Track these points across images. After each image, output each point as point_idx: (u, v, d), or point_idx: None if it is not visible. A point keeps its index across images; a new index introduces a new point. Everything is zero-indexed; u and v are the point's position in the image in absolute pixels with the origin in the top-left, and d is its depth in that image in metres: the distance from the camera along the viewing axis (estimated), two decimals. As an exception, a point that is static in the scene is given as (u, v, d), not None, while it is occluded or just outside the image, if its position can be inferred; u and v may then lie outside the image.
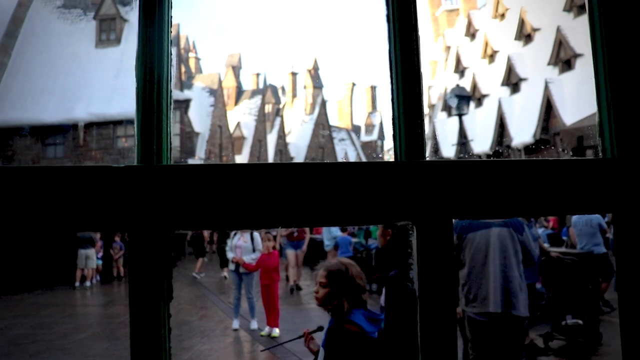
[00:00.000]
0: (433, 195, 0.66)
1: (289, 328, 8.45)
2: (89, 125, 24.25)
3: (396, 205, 0.65)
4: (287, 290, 12.31)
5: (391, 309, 4.80)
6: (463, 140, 19.32)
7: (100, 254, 16.04)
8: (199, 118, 35.30)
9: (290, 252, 12.72)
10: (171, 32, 0.71)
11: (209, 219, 0.63)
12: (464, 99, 15.44)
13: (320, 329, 3.20)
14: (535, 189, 0.68)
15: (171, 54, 0.70)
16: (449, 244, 0.67)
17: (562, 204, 0.69)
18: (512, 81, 29.85)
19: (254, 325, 8.76)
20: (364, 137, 64.04)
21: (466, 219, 0.68)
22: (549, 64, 26.68)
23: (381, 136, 64.16)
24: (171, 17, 0.71)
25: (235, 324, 8.90)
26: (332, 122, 57.93)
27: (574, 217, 9.03)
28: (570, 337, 6.55)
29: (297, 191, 0.63)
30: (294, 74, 56.68)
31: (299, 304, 11.02)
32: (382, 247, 5.19)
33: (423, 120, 0.71)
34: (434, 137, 34.79)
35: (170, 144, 0.68)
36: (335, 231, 12.98)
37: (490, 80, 32.42)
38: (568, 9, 26.65)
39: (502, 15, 34.24)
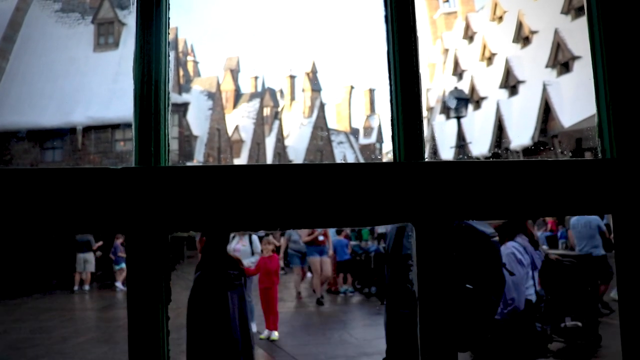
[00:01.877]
0: (433, 196, 0.66)
1: (288, 331, 8.45)
2: (88, 129, 24.22)
3: (396, 207, 0.65)
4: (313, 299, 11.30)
5: (196, 307, 5.02)
6: (461, 143, 19.37)
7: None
8: (198, 121, 35.28)
9: (314, 259, 11.22)
10: (169, 34, 0.71)
11: (207, 220, 0.63)
12: (462, 102, 15.45)
13: None
14: (536, 189, 0.68)
15: (169, 56, 0.70)
16: (449, 245, 0.67)
17: (562, 205, 0.69)
18: (511, 84, 29.87)
19: (253, 328, 8.75)
20: (363, 140, 64.03)
21: (466, 220, 0.68)
22: (547, 66, 26.70)
23: (380, 139, 64.16)
24: (169, 19, 0.70)
25: (234, 327, 8.89)
26: (330, 125, 57.93)
27: (573, 219, 9.03)
28: (570, 339, 6.55)
29: (297, 193, 0.63)
30: (292, 77, 56.73)
31: (298, 306, 11.01)
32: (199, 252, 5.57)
33: (422, 121, 0.71)
34: (433, 140, 34.80)
35: (168, 146, 0.68)
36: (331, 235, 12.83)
37: (488, 82, 32.44)
38: (566, 11, 26.69)
39: (500, 18, 34.28)
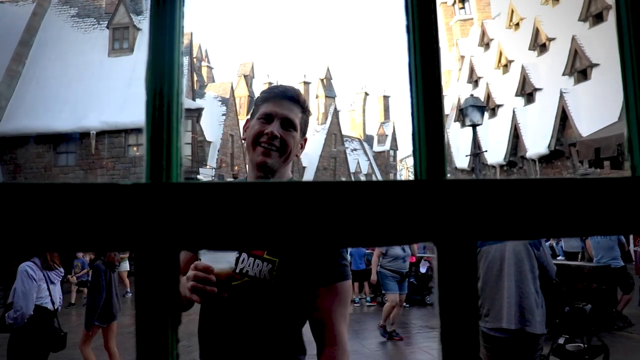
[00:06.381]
0: (456, 215, 0.63)
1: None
2: (101, 134, 24.35)
3: (417, 226, 0.62)
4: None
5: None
6: (477, 151, 19.23)
7: None
8: (211, 127, 35.45)
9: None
10: (183, 42, 0.68)
11: (219, 239, 0.60)
12: (477, 109, 15.33)
13: None
14: (564, 208, 0.65)
15: (182, 66, 0.67)
16: (473, 266, 0.63)
17: (590, 224, 0.66)
18: (527, 91, 29.73)
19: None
20: (377, 147, 63.99)
21: (491, 240, 0.64)
22: (564, 74, 26.52)
23: (394, 146, 64.14)
24: (183, 26, 0.68)
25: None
26: (344, 131, 57.95)
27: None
28: None
29: (315, 211, 0.60)
30: (306, 84, 56.77)
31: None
32: None
33: (444, 137, 0.68)
34: (448, 148, 34.71)
35: (181, 160, 0.65)
36: None
37: (504, 90, 32.33)
38: (584, 18, 26.52)
39: (517, 25, 34.18)
